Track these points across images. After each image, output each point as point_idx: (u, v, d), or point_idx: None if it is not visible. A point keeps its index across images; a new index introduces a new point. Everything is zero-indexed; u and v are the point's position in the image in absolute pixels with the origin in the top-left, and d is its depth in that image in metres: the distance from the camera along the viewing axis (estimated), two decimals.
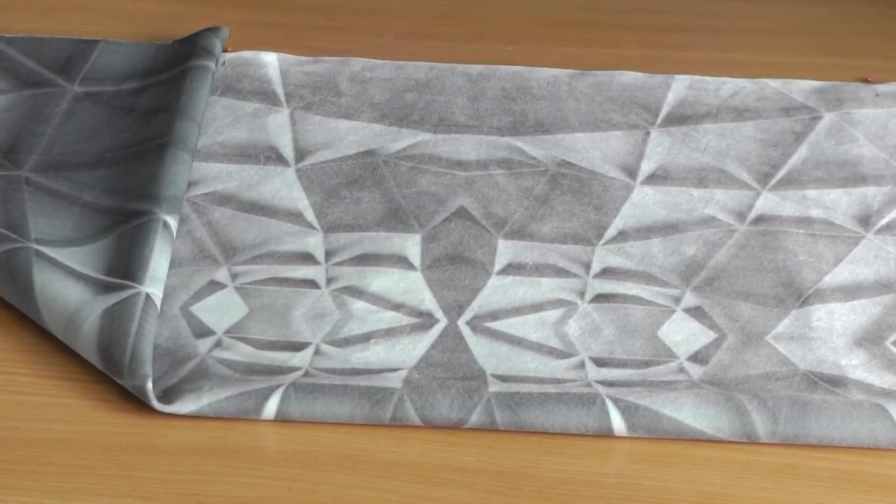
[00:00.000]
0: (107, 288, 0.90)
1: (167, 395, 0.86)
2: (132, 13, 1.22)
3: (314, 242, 0.98)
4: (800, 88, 1.13)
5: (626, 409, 0.86)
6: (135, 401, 0.87)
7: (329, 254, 0.98)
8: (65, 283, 0.90)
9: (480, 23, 1.20)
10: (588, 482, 0.83)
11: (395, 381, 0.87)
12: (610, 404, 0.86)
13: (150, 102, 1.08)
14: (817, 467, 0.84)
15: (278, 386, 0.86)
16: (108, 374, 0.87)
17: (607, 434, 0.86)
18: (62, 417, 0.86)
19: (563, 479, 0.83)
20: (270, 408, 0.86)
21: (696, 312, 0.94)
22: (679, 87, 1.14)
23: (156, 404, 0.85)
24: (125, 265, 0.92)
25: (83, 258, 0.93)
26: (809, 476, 0.83)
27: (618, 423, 0.85)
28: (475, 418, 0.85)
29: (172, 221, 0.96)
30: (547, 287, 0.96)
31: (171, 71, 1.11)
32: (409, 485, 0.82)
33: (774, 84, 1.14)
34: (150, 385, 0.85)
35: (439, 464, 0.84)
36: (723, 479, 0.83)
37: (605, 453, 0.84)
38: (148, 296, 0.89)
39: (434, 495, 0.82)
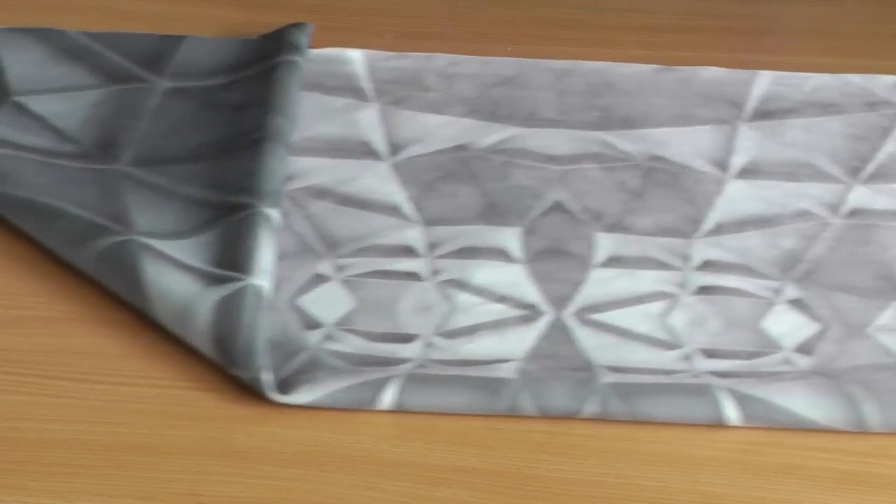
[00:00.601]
0: (217, 280, 0.90)
1: (283, 387, 0.86)
2: (132, 13, 1.22)
3: (414, 235, 0.99)
4: (883, 84, 1.14)
5: (740, 400, 0.86)
6: (134, 401, 0.87)
7: (430, 246, 0.98)
8: (175, 276, 0.90)
9: (480, 23, 1.20)
10: (588, 482, 0.83)
11: (509, 371, 0.88)
12: (723, 394, 0.86)
13: (241, 97, 1.09)
14: (817, 467, 0.84)
15: (394, 377, 0.87)
16: (222, 365, 0.88)
17: (720, 424, 0.86)
18: (62, 417, 0.86)
19: (563, 479, 0.83)
20: (387, 398, 0.86)
21: (797, 304, 0.95)
22: (763, 83, 1.14)
23: (272, 395, 0.86)
24: (233, 258, 0.92)
25: (189, 250, 0.93)
26: (809, 476, 0.83)
27: (732, 412, 0.86)
28: (589, 408, 0.86)
29: (275, 214, 0.96)
30: (648, 279, 0.96)
31: (259, 66, 1.12)
32: (409, 485, 0.82)
33: (857, 79, 1.15)
34: (265, 376, 0.86)
35: (439, 464, 0.84)
36: (723, 479, 0.83)
37: (605, 453, 0.85)
38: (258, 288, 0.90)
39: (434, 495, 0.82)
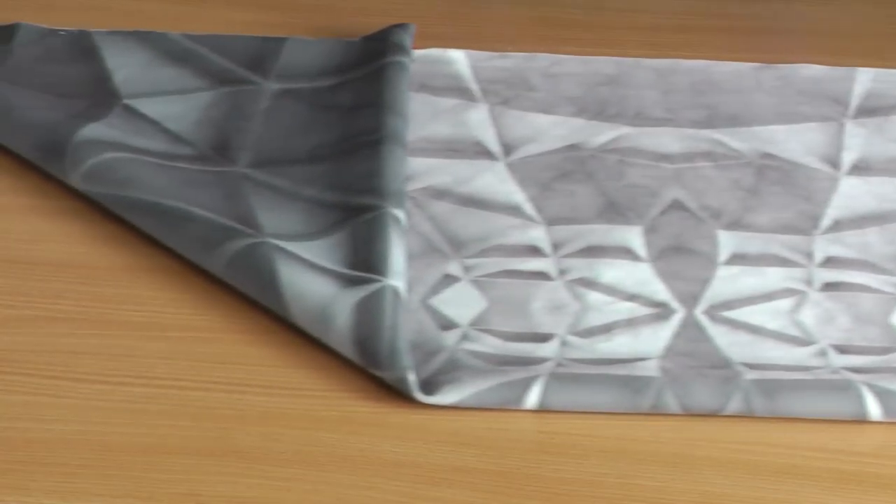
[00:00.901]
0: (354, 281, 0.90)
1: (427, 387, 0.86)
2: (133, 13, 1.22)
3: (538, 235, 0.99)
4: None
5: (882, 395, 0.86)
6: (134, 401, 0.87)
7: (555, 246, 0.99)
8: (310, 277, 0.90)
9: (480, 23, 1.20)
10: (588, 482, 0.83)
11: (650, 370, 0.88)
12: (864, 390, 0.86)
13: (352, 98, 1.09)
14: (817, 467, 0.84)
15: (538, 376, 0.87)
16: (364, 366, 0.88)
17: (863, 420, 0.86)
18: (62, 417, 0.86)
19: (563, 479, 0.83)
20: (532, 398, 0.86)
21: None
22: (864, 80, 1.15)
23: (418, 395, 0.86)
24: (366, 259, 0.92)
25: (320, 252, 0.93)
26: (809, 476, 0.83)
27: (874, 408, 0.86)
28: (734, 405, 0.86)
29: (401, 215, 0.96)
30: (774, 277, 0.97)
31: (367, 68, 1.12)
32: (409, 485, 0.82)
33: None
34: (411, 376, 0.86)
35: (439, 464, 0.83)
36: (723, 479, 0.83)
37: (605, 453, 0.85)
38: (395, 288, 0.90)
39: (434, 495, 0.82)
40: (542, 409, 0.86)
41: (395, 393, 0.87)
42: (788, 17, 1.25)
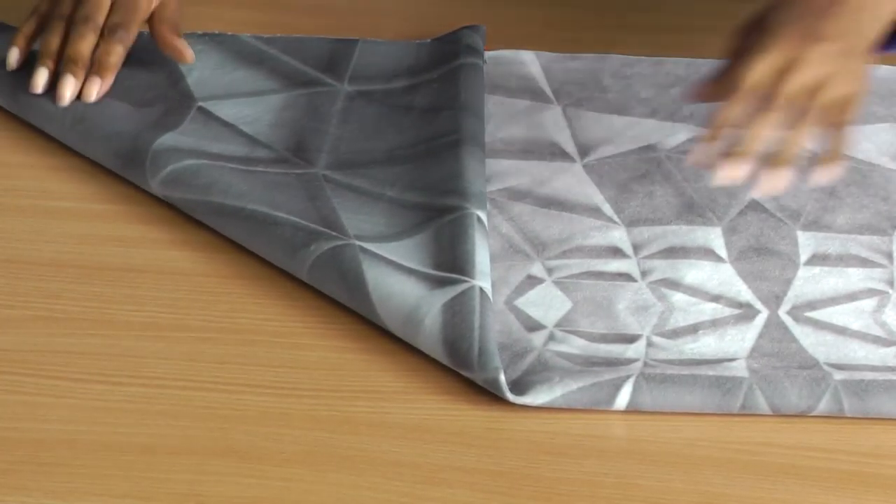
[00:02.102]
0: (440, 282, 0.90)
1: (517, 387, 0.86)
2: None
3: (619, 236, 0.99)
4: None
5: None
6: (134, 401, 0.86)
7: (636, 247, 0.98)
8: (397, 279, 0.90)
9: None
10: (588, 482, 0.82)
11: (739, 370, 0.87)
12: None
13: (428, 100, 1.08)
14: (817, 467, 0.83)
15: (629, 376, 0.86)
16: (454, 367, 0.87)
17: None
18: (62, 417, 0.85)
19: (563, 479, 0.82)
20: (622, 399, 0.85)
21: None
22: None
23: (509, 396, 0.85)
24: (451, 260, 0.92)
25: (405, 253, 0.93)
26: (809, 476, 0.82)
27: None
28: (823, 406, 0.85)
29: (483, 216, 0.96)
30: (855, 277, 0.96)
31: (441, 69, 1.11)
32: (409, 485, 0.81)
33: None
34: (503, 377, 0.85)
35: (439, 464, 0.82)
36: (723, 479, 0.82)
37: (605, 453, 0.84)
38: (482, 289, 0.90)
39: (434, 495, 0.80)
40: (631, 410, 0.86)
41: (395, 393, 0.87)
42: None
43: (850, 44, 0.93)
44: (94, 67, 1.04)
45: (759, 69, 0.89)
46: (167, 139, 1.02)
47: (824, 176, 0.94)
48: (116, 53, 1.05)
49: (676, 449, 0.83)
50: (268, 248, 0.95)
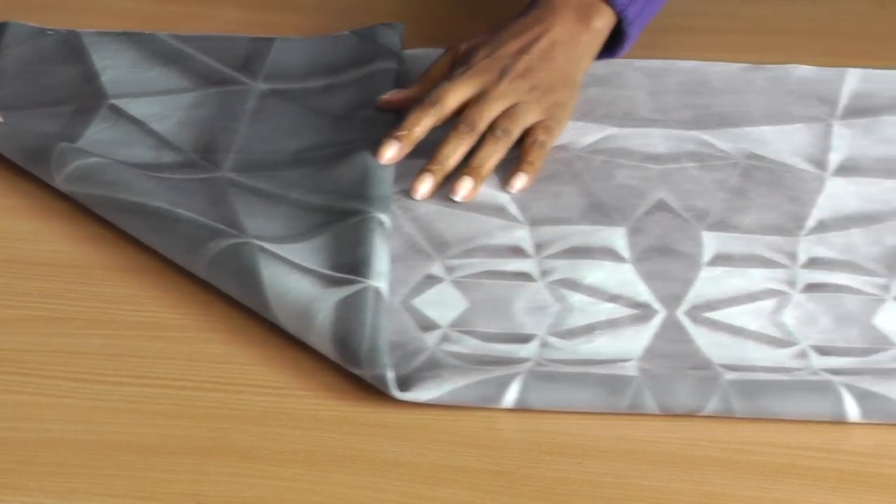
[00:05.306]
0: (336, 282, 0.91)
1: (405, 384, 0.87)
2: (131, 13, 1.23)
3: (522, 236, 1.00)
4: None
5: (861, 397, 0.86)
6: (134, 401, 0.87)
7: (539, 247, 0.99)
8: (293, 277, 0.91)
9: (481, 24, 1.18)
10: (588, 482, 0.83)
11: (629, 370, 0.88)
12: (843, 391, 0.87)
13: (341, 105, 1.10)
14: (817, 467, 0.84)
15: (517, 374, 0.87)
16: (343, 364, 0.88)
17: (841, 421, 0.87)
18: (62, 417, 0.86)
19: (563, 479, 0.83)
20: (510, 396, 0.87)
21: None
22: (853, 80, 1.15)
23: (396, 393, 0.86)
24: (350, 262, 0.93)
25: (303, 254, 0.94)
26: (809, 476, 0.83)
27: (852, 410, 0.86)
28: (713, 405, 0.86)
29: (386, 219, 0.97)
30: (757, 277, 0.97)
31: (357, 72, 1.13)
32: (409, 485, 0.82)
33: None
34: (390, 374, 0.86)
35: (439, 464, 0.83)
36: (723, 479, 0.83)
37: (605, 453, 0.84)
38: (377, 289, 0.91)
39: (434, 495, 0.82)
40: (519, 408, 0.87)
41: None
42: (788, 17, 1.25)
43: (543, 80, 1.05)
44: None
45: (456, 93, 1.02)
46: (74, 142, 1.03)
47: (519, 184, 1.01)
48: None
49: (676, 449, 0.84)
50: (167, 245, 0.96)
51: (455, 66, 1.08)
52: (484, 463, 0.84)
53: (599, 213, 1.02)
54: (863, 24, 1.25)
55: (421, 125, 1.03)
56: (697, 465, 0.84)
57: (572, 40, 1.08)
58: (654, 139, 1.09)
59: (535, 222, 1.01)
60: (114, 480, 0.82)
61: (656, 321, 0.93)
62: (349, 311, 0.89)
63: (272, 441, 0.85)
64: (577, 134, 1.09)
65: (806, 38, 1.22)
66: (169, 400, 0.87)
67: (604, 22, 1.10)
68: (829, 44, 1.21)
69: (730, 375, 0.87)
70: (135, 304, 0.94)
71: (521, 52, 1.07)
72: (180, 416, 0.86)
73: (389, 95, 1.08)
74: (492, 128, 1.04)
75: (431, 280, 0.96)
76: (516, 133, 1.05)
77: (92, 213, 1.01)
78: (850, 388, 0.87)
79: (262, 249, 0.93)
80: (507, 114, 1.04)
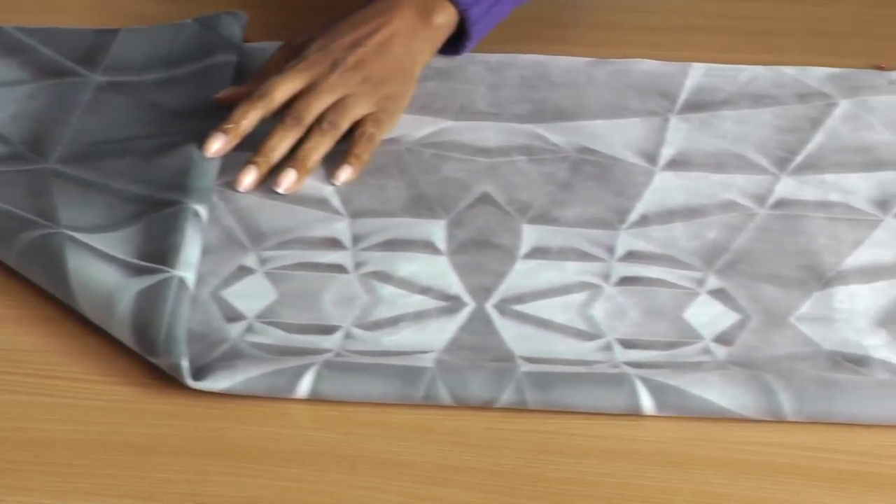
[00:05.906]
0: (140, 271, 0.91)
1: (200, 373, 0.87)
2: (129, 14, 1.23)
3: (341, 228, 1.00)
4: (815, 75, 1.15)
5: (655, 389, 0.86)
6: (134, 401, 0.87)
7: (356, 239, 0.99)
8: (98, 267, 0.91)
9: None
10: (588, 482, 0.83)
11: (426, 361, 0.88)
12: (639, 384, 0.87)
13: (176, 98, 1.10)
14: (817, 467, 0.84)
15: (311, 364, 0.87)
16: (142, 353, 0.88)
17: (636, 413, 0.87)
18: (62, 417, 0.86)
19: (563, 479, 0.83)
20: (304, 387, 0.86)
21: (720, 295, 0.95)
22: (696, 75, 1.15)
23: (189, 381, 0.86)
24: (158, 251, 0.93)
25: (114, 243, 0.94)
26: (809, 476, 0.83)
27: (647, 402, 0.86)
28: (506, 397, 0.86)
29: (202, 210, 0.97)
30: (572, 271, 0.97)
31: (194, 66, 1.13)
32: (409, 485, 0.82)
33: (790, 71, 1.16)
34: (185, 363, 0.86)
35: (439, 464, 0.83)
36: (723, 479, 0.83)
37: (605, 454, 0.84)
38: (181, 279, 0.90)
39: (434, 495, 0.82)
40: (313, 399, 0.87)
41: None
42: (788, 17, 1.25)
43: (376, 73, 1.04)
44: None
45: (285, 86, 1.02)
46: None
47: (342, 177, 1.01)
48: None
49: (676, 449, 0.84)
50: None
51: (289, 59, 1.07)
52: (484, 463, 0.84)
53: (421, 205, 1.01)
54: (865, 23, 1.24)
55: (248, 118, 1.02)
56: (697, 465, 0.84)
57: (411, 34, 1.08)
58: (487, 132, 1.08)
59: (355, 214, 1.01)
60: (114, 480, 0.82)
61: (464, 314, 0.93)
62: (149, 301, 0.88)
63: (272, 441, 0.85)
64: (411, 127, 1.09)
65: (806, 38, 1.22)
66: (168, 400, 0.87)
67: (445, 19, 1.10)
68: (829, 44, 1.21)
69: (526, 367, 0.87)
70: None
71: (356, 44, 1.07)
72: (180, 416, 0.86)
73: (224, 93, 1.08)
74: (319, 120, 1.04)
75: (243, 271, 0.96)
76: (345, 125, 1.04)
77: None
78: (646, 381, 0.87)
79: (71, 239, 0.93)
80: (335, 106, 1.04)
